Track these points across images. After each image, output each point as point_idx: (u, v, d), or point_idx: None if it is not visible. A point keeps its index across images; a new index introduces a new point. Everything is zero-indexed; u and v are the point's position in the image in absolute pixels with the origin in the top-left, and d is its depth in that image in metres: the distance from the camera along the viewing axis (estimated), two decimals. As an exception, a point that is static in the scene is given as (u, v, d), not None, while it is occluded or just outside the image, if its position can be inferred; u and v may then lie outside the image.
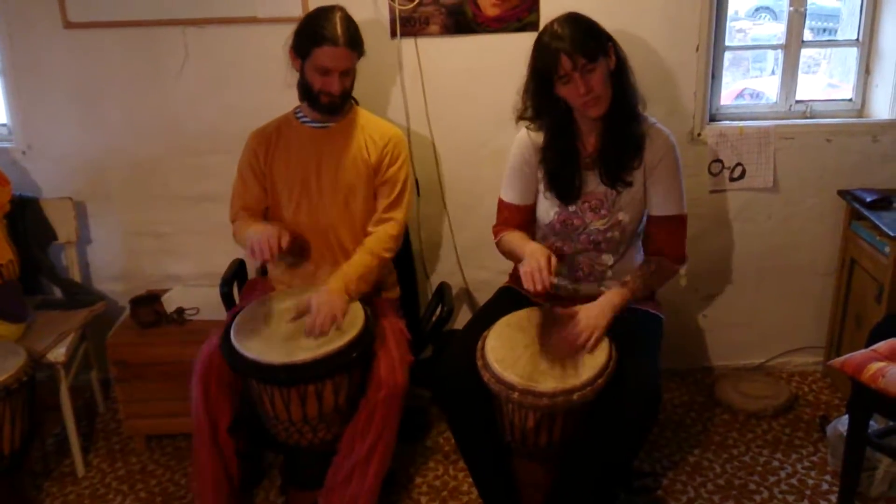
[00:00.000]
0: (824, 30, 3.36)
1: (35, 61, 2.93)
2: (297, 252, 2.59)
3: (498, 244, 2.52)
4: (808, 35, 3.01)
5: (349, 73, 2.49)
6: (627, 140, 2.30)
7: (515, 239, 2.43)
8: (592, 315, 2.24)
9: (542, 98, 2.29)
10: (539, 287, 2.15)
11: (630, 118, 2.30)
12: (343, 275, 2.43)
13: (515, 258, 2.42)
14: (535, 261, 2.18)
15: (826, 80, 3.21)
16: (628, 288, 2.32)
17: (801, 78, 3.08)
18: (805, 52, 3.09)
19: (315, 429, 2.33)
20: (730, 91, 3.28)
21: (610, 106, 2.27)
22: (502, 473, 2.38)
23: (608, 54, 2.22)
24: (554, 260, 2.21)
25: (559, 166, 2.35)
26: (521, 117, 2.39)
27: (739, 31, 3.35)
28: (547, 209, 2.42)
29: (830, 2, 3.22)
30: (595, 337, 2.20)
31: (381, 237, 2.53)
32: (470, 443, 2.37)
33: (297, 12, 2.75)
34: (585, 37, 2.17)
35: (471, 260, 3.16)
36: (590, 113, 2.26)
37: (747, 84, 3.35)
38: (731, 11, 3.01)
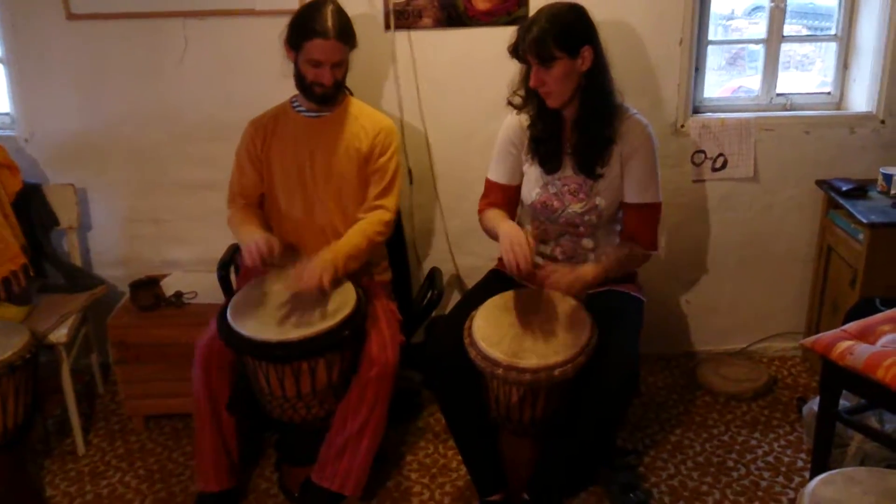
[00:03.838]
0: (820, 29, 3.43)
1: (38, 52, 3.01)
2: (288, 256, 2.64)
3: (480, 220, 2.61)
4: (804, 33, 3.10)
5: (341, 65, 2.57)
6: (597, 138, 2.39)
7: (495, 216, 2.52)
8: (563, 281, 2.34)
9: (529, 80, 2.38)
10: (522, 266, 2.24)
11: (600, 119, 2.38)
12: (333, 249, 2.51)
13: (491, 234, 2.52)
14: (516, 241, 2.26)
15: (820, 78, 3.29)
16: (602, 267, 2.41)
17: (796, 75, 3.18)
18: (800, 50, 3.19)
19: (308, 405, 2.42)
20: (725, 88, 3.37)
21: (580, 105, 2.37)
22: (488, 449, 2.48)
23: (577, 56, 2.29)
24: (531, 239, 2.31)
25: (544, 134, 2.44)
26: (510, 102, 2.49)
27: (736, 30, 3.44)
28: (529, 189, 2.51)
29: (827, 1, 3.28)
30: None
31: (371, 221, 2.62)
32: (457, 418, 2.46)
33: (294, 4, 2.83)
34: (550, 37, 2.24)
35: (461, 246, 3.25)
36: (546, 102, 2.37)
37: (742, 82, 3.43)
38: (727, 10, 3.11)
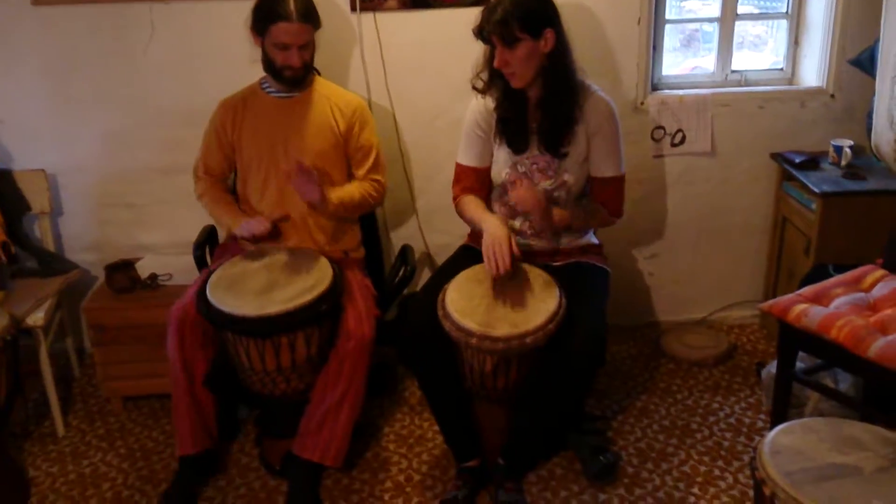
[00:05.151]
0: (771, 8, 3.52)
1: (4, 38, 3.01)
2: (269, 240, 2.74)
3: (456, 207, 2.69)
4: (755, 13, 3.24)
5: (308, 46, 2.63)
6: (560, 118, 2.48)
7: (472, 206, 2.61)
8: (531, 201, 2.43)
9: (493, 61, 2.44)
10: (501, 270, 2.33)
11: (563, 98, 2.46)
12: (330, 189, 2.66)
13: (473, 225, 2.61)
14: (497, 243, 2.35)
15: (773, 57, 3.40)
16: (569, 212, 2.53)
17: (749, 54, 3.29)
18: (752, 31, 3.31)
19: (288, 378, 2.49)
20: (680, 69, 3.47)
21: (543, 85, 2.45)
22: (464, 417, 2.56)
23: (540, 38, 2.36)
24: (514, 239, 2.39)
25: (510, 114, 2.52)
26: (473, 86, 2.56)
27: (689, 11, 3.53)
28: (500, 169, 2.59)
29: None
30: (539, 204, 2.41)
31: (366, 185, 2.75)
32: (434, 389, 2.54)
33: (260, -12, 2.87)
34: (513, 19, 2.31)
35: (431, 224, 3.32)
36: (510, 82, 2.44)
37: (697, 62, 3.53)
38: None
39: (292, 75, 2.64)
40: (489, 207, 2.67)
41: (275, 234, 2.72)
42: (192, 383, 2.55)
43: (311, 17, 2.59)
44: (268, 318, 2.33)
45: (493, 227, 2.42)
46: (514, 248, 2.38)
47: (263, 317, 2.33)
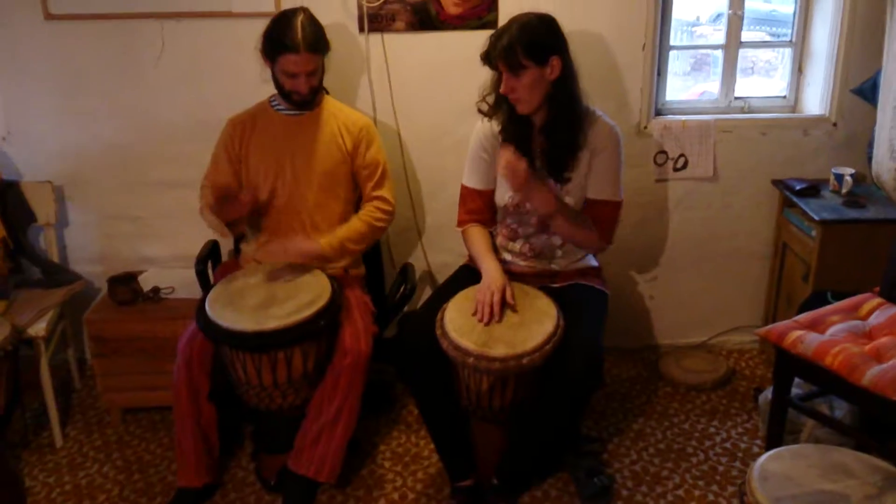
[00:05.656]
0: (780, 35, 3.55)
1: (16, 51, 3.06)
2: (262, 222, 2.79)
3: (463, 236, 2.70)
4: (766, 39, 3.28)
5: (315, 73, 2.67)
6: (564, 144, 2.49)
7: (476, 243, 2.63)
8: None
9: (499, 86, 2.46)
10: (488, 321, 2.37)
11: (567, 125, 2.47)
12: (330, 233, 2.69)
13: (474, 262, 2.64)
14: (489, 293, 2.40)
15: (782, 83, 3.42)
16: (563, 215, 2.50)
17: (759, 80, 3.32)
18: (763, 56, 3.33)
19: (284, 394, 2.50)
20: (689, 93, 3.50)
21: (549, 112, 2.47)
22: (460, 435, 2.57)
23: (546, 65, 2.38)
24: (508, 291, 2.43)
25: (515, 139, 2.52)
26: (479, 109, 2.58)
27: (700, 36, 3.56)
28: (502, 193, 2.61)
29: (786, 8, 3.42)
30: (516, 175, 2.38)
31: (370, 209, 2.77)
32: (430, 407, 2.55)
33: (270, 7, 2.92)
34: (519, 46, 2.33)
35: (433, 244, 3.34)
36: (516, 108, 2.46)
37: (706, 87, 3.56)
38: (692, 17, 3.25)
39: (300, 99, 2.69)
40: (494, 229, 2.70)
41: (253, 217, 2.79)
42: (198, 415, 2.57)
43: (318, 47, 2.62)
44: (265, 334, 2.35)
45: (492, 274, 2.47)
46: (509, 298, 2.42)
47: (261, 332, 2.34)
